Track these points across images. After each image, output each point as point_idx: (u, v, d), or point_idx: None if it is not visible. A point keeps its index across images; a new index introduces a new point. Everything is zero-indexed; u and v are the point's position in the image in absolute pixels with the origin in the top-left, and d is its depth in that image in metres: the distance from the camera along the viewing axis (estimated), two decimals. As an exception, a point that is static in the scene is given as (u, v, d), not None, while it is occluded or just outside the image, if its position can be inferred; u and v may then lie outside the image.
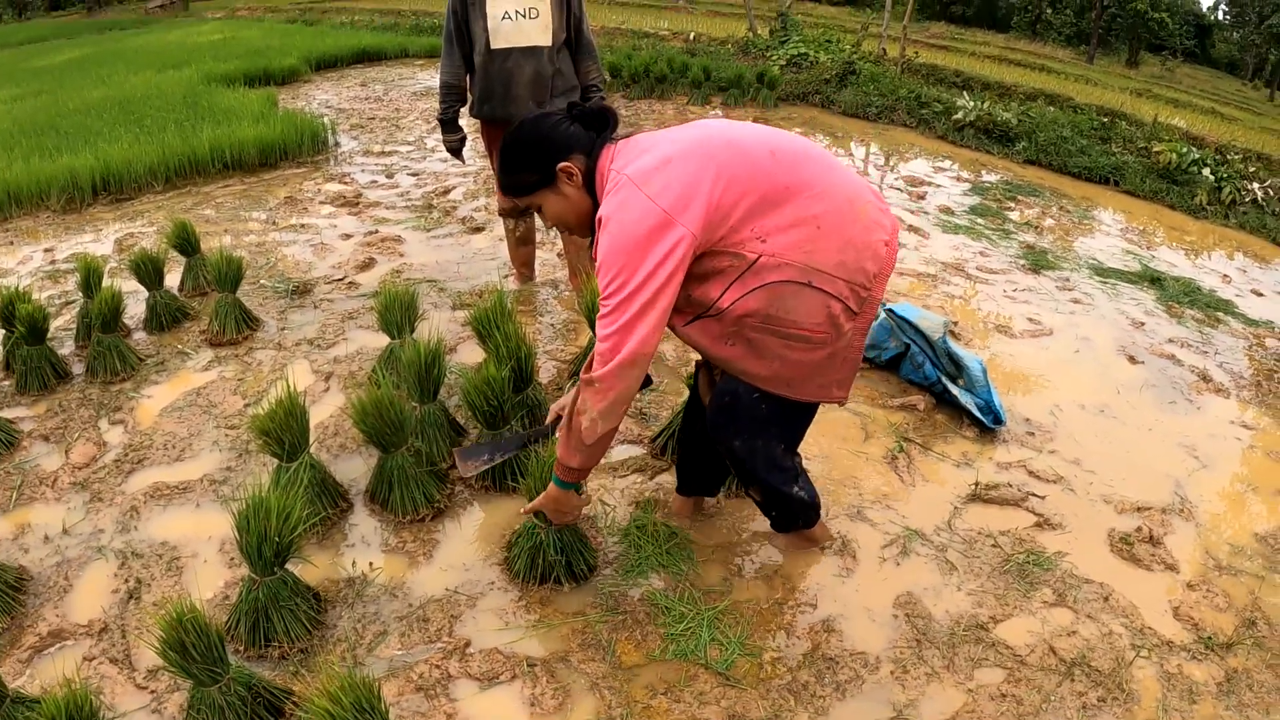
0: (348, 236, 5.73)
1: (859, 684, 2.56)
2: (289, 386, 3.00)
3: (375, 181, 7.11)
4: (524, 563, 2.78)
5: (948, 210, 7.63)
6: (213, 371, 4.12)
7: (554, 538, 2.75)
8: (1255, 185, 9.86)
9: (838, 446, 3.71)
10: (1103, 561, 3.21)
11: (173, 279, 4.90)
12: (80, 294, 4.38)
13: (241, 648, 2.52)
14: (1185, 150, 10.34)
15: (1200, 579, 3.19)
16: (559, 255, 5.49)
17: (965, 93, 13.31)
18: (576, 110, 2.36)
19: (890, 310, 4.33)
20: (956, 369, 4.07)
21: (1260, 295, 6.88)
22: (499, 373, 3.15)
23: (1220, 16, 60.85)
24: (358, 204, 6.42)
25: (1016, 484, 3.58)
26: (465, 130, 4.66)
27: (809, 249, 2.20)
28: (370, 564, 2.91)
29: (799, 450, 2.76)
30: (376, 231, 5.83)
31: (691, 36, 17.97)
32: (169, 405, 3.83)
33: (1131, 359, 5.00)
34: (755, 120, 10.79)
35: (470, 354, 4.22)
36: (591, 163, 2.30)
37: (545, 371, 4.20)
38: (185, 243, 4.81)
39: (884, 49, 15.72)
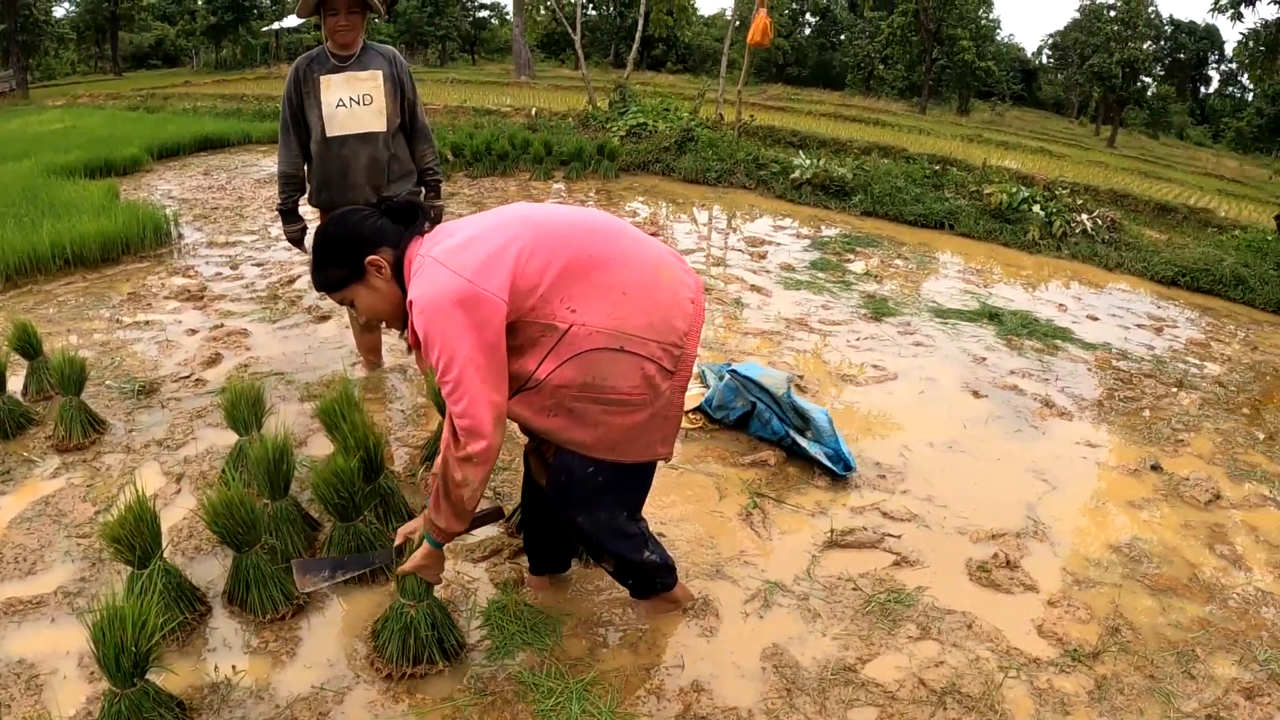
0: (193, 332, 5.67)
1: (733, 740, 2.66)
2: (138, 491, 2.97)
3: (220, 273, 7.05)
4: (395, 645, 2.80)
5: (789, 267, 8.05)
6: (60, 479, 4.00)
7: (424, 615, 2.78)
8: (1084, 216, 10.68)
9: (693, 508, 3.86)
10: (963, 591, 3.44)
11: (16, 383, 4.76)
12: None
13: (109, 764, 2.46)
14: (1015, 190, 11.14)
15: (1060, 595, 3.45)
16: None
17: (802, 151, 14.06)
18: (385, 205, 2.51)
19: (734, 371, 4.54)
20: (803, 421, 4.29)
21: (1095, 320, 7.45)
22: (348, 464, 3.19)
23: (1044, 60, 65.64)
24: (202, 297, 6.36)
25: (872, 526, 3.79)
26: (306, 219, 4.70)
27: (618, 315, 2.37)
28: (234, 667, 2.88)
29: (643, 515, 2.89)
30: (222, 325, 5.78)
31: (533, 112, 18.50)
32: (17, 516, 3.71)
33: (976, 394, 5.36)
34: (598, 191, 11.24)
35: (320, 446, 4.22)
36: (400, 254, 2.43)
37: (398, 458, 4.23)
38: (27, 345, 4.68)
39: (721, 114, 16.49)
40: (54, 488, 3.94)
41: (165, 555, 3.04)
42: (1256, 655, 3.22)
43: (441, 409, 3.57)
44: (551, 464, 2.70)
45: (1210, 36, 60.70)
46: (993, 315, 6.98)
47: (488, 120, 17.11)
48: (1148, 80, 47.32)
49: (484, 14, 61.91)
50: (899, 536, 3.73)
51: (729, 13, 18.94)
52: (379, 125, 4.41)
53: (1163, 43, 57.79)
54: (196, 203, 9.84)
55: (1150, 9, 47.76)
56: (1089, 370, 6.08)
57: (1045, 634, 3.20)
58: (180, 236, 8.19)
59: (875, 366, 5.66)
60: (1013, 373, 5.80)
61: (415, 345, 2.33)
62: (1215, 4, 14.94)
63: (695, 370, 4.85)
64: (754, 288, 7.23)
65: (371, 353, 5.18)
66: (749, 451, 4.35)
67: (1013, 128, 37.72)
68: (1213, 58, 64.30)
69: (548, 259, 2.33)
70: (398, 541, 2.84)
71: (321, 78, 4.33)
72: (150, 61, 52.93)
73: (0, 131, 18.33)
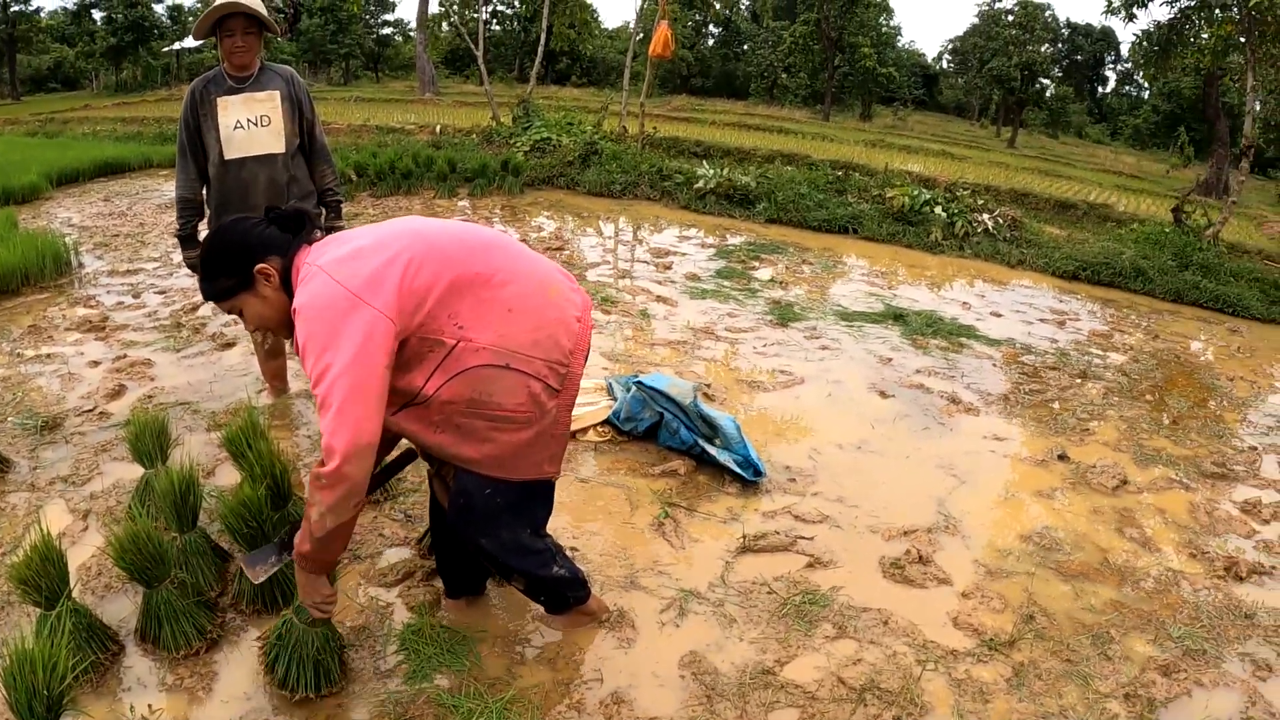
0: (96, 364, 5.54)
1: (654, 750, 2.69)
2: (43, 530, 2.91)
3: (122, 302, 6.89)
4: (283, 668, 2.79)
5: (695, 277, 8.15)
6: (-36, 520, 3.89)
7: (310, 637, 2.76)
8: (985, 216, 11.01)
9: (605, 521, 3.88)
10: (877, 588, 3.52)
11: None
12: None
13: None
14: (917, 193, 11.44)
15: (974, 587, 3.55)
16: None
17: (706, 161, 14.25)
18: (274, 214, 2.52)
19: (639, 382, 4.58)
20: (712, 430, 4.34)
21: (999, 316, 7.69)
22: (255, 492, 3.16)
23: (945, 65, 67.36)
24: (105, 328, 6.21)
25: (784, 530, 3.86)
26: None
27: (504, 332, 2.41)
28: (150, 706, 2.82)
29: (548, 530, 2.91)
30: (125, 356, 5.65)
31: (438, 129, 18.45)
32: (-80, 559, 3.59)
33: (883, 394, 5.49)
34: (503, 207, 11.24)
35: (229, 475, 4.16)
36: (288, 263, 2.44)
37: (307, 485, 4.17)
38: (-78, 385, 4.54)
39: (624, 127, 16.62)
40: (-41, 531, 3.82)
41: (74, 595, 3.00)
42: (1171, 633, 3.35)
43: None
44: (452, 487, 2.72)
45: (1106, 38, 62.91)
46: (898, 316, 7.16)
47: (392, 138, 17.01)
48: (1046, 82, 48.88)
49: (387, 31, 61.41)
50: (811, 538, 3.80)
51: (632, 25, 19.11)
52: (277, 146, 4.39)
53: (1060, 45, 59.82)
54: (97, 230, 9.62)
55: (1047, 13, 49.54)
56: (994, 366, 6.26)
57: (961, 625, 3.29)
58: (81, 265, 8.01)
59: (783, 372, 5.76)
60: (919, 371, 5.95)
61: (300, 353, 2.32)
62: (1108, 5, 15.51)
63: (602, 383, 4.90)
64: (660, 298, 7.31)
65: (277, 379, 5.12)
66: (659, 462, 4.39)
67: (915, 132, 38.63)
68: (1109, 58, 66.70)
69: (435, 273, 2.35)
70: None
71: (218, 100, 4.30)
72: (49, 85, 51.33)
73: (-111, 163, 17.71)
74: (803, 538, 3.80)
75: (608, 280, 7.91)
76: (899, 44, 58.15)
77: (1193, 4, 13.84)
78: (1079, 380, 6.15)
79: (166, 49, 48.37)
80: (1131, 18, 15.30)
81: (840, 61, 46.01)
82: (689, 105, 38.83)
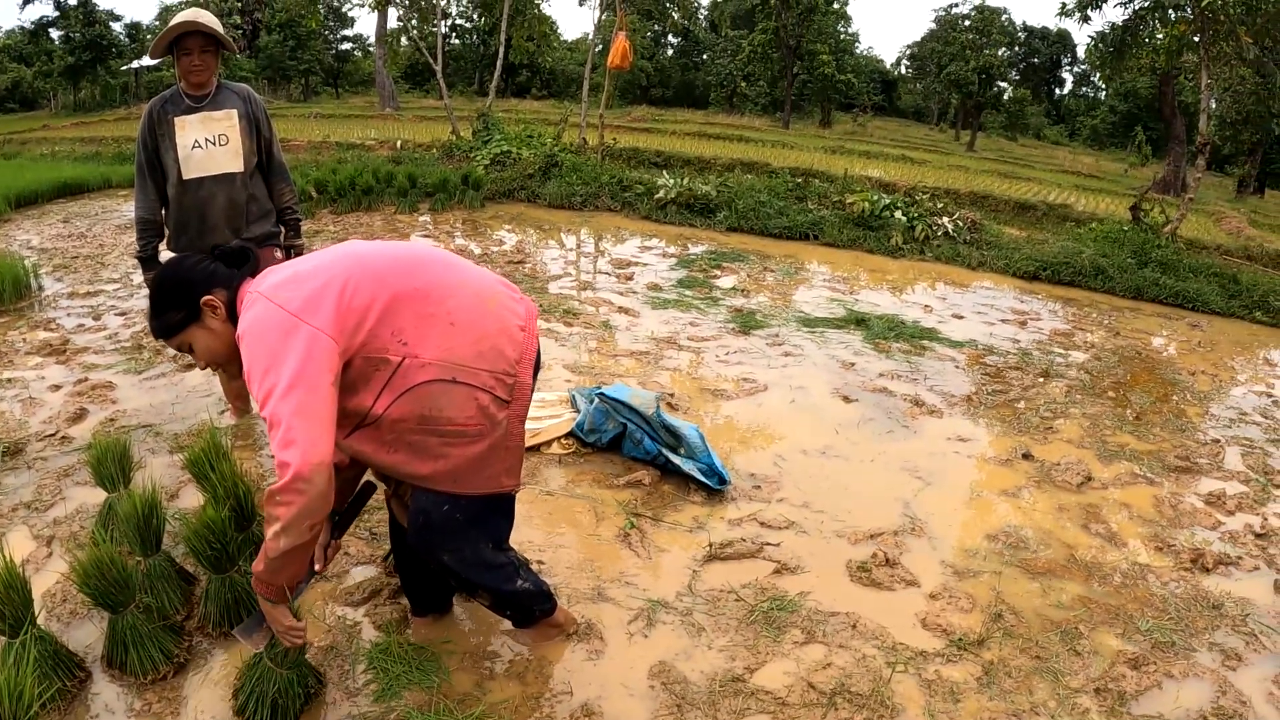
0: (57, 388, 5.49)
1: (625, 761, 2.70)
2: (6, 557, 2.88)
3: (82, 325, 6.83)
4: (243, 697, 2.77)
5: (656, 287, 8.19)
6: (-76, 545, 3.84)
7: (273, 675, 2.75)
8: (945, 219, 11.13)
9: (571, 533, 3.88)
10: (845, 592, 3.54)
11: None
12: None
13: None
14: (877, 198, 11.56)
15: (941, 588, 3.58)
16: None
17: (666, 171, 14.30)
18: (218, 250, 2.57)
19: (602, 394, 4.59)
20: (675, 439, 4.36)
21: (961, 318, 7.77)
22: (219, 514, 3.15)
23: (904, 71, 68.02)
24: (65, 351, 6.16)
25: (750, 537, 3.88)
26: None
27: (447, 345, 2.44)
28: None
29: (510, 544, 2.91)
30: (86, 379, 5.61)
31: (398, 144, 18.49)
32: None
33: (846, 399, 5.53)
34: (464, 221, 11.26)
35: (192, 498, 4.14)
36: (233, 295, 2.49)
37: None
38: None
39: (584, 139, 16.66)
40: (-79, 562, 3.78)
41: (39, 622, 2.97)
42: (1139, 626, 3.40)
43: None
44: (410, 506, 2.73)
45: (1063, 40, 63.75)
46: (860, 321, 7.21)
47: (352, 155, 16.99)
48: (1004, 85, 49.37)
49: (346, 46, 61.17)
50: (778, 544, 3.82)
51: (591, 36, 19.18)
52: (236, 166, 4.39)
53: (1017, 48, 60.45)
54: (56, 252, 9.55)
55: (1004, 17, 50.13)
56: (957, 367, 6.32)
57: (929, 626, 3.32)
58: (40, 288, 7.94)
59: (746, 379, 5.79)
60: (882, 375, 6.00)
61: (247, 378, 2.33)
62: (1062, 8, 15.76)
63: (565, 395, 4.91)
64: (622, 309, 7.33)
65: (240, 399, 5.11)
66: (624, 473, 4.40)
67: (874, 137, 38.94)
68: (1066, 60, 67.60)
69: (373, 293, 2.38)
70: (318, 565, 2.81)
71: (176, 119, 4.29)
72: (7, 105, 50.65)
73: None
74: (769, 544, 3.82)
75: (570, 292, 7.92)
76: (857, 51, 58.81)
77: (1147, 5, 14.08)
78: (1041, 379, 6.23)
79: (125, 68, 47.93)
80: (1086, 20, 15.60)
81: (799, 69, 46.35)
82: (649, 115, 39.02)
